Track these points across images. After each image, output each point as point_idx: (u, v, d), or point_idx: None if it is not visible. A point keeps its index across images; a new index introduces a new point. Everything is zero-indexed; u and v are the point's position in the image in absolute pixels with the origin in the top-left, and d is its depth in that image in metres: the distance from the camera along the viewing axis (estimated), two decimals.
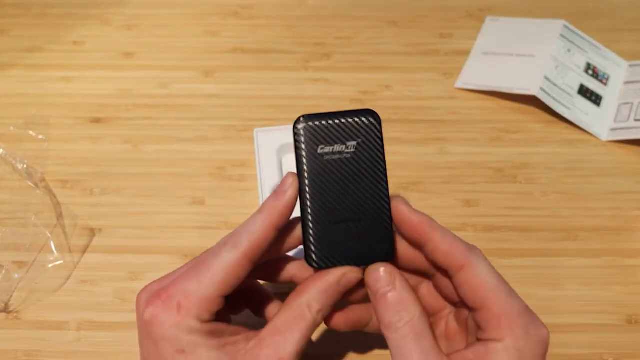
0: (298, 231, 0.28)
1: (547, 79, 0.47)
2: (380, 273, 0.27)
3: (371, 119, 0.28)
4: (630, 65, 0.50)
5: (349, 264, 0.27)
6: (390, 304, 0.26)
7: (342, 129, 0.27)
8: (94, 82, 0.50)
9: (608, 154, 0.45)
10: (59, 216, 0.40)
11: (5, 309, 0.37)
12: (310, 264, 0.27)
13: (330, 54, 0.52)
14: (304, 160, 0.27)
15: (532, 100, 0.47)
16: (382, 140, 0.28)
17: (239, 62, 0.51)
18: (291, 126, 0.41)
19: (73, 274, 0.38)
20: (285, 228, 0.28)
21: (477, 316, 0.26)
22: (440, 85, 0.50)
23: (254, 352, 0.26)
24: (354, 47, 0.53)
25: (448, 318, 0.29)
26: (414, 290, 0.27)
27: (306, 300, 0.27)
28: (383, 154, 0.27)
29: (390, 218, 0.27)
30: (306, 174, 0.27)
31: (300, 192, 0.27)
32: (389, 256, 0.27)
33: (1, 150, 0.41)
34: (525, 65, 0.48)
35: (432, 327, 0.27)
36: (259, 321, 0.30)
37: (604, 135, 0.46)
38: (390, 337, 0.26)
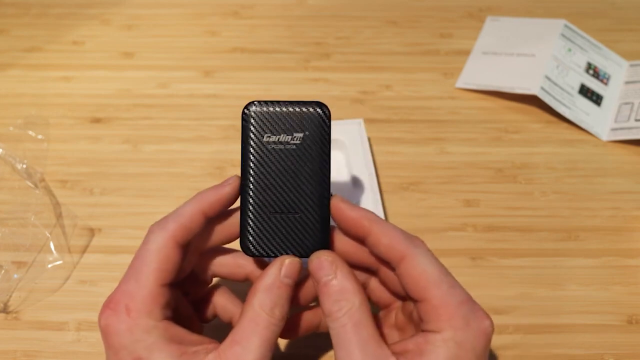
0: (235, 219, 0.28)
1: (547, 78, 0.47)
2: (323, 261, 0.26)
3: (320, 111, 0.27)
4: (631, 65, 0.50)
5: (282, 254, 0.27)
6: (331, 293, 0.26)
7: (291, 119, 0.27)
8: (94, 82, 0.50)
9: (608, 154, 0.45)
10: (59, 216, 0.40)
11: (5, 309, 0.37)
12: (244, 251, 0.27)
13: (330, 54, 0.52)
14: (250, 148, 0.27)
15: (532, 100, 0.47)
16: (329, 134, 0.27)
17: (239, 62, 0.51)
18: None
19: (72, 274, 0.38)
20: (222, 216, 0.28)
21: (419, 307, 0.26)
22: (441, 85, 0.49)
23: None
24: (354, 47, 0.53)
25: (397, 310, 0.29)
26: (363, 284, 0.28)
27: (257, 302, 0.26)
28: (329, 149, 0.27)
29: (329, 213, 0.27)
30: (250, 162, 0.27)
31: (242, 179, 0.27)
32: (324, 249, 0.27)
33: (1, 150, 0.41)
34: (526, 65, 0.48)
35: (379, 317, 0.28)
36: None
37: (605, 135, 0.46)
38: (331, 325, 0.25)
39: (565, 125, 0.46)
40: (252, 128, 0.27)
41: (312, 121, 0.27)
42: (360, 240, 0.28)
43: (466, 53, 0.52)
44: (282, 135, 0.27)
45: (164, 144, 0.45)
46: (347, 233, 0.28)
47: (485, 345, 0.25)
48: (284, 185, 0.27)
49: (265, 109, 0.27)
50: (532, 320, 0.36)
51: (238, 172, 0.44)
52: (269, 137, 0.27)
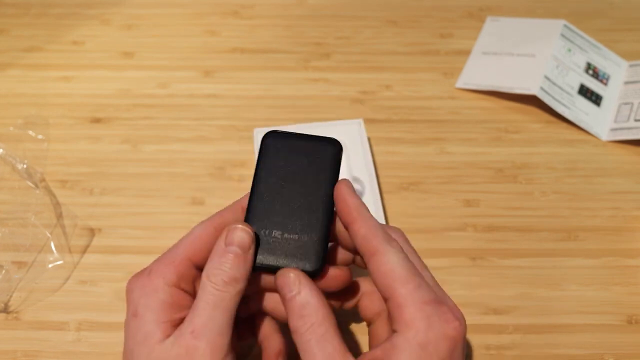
0: None
1: (547, 78, 0.47)
2: (287, 277, 0.27)
3: (333, 148, 0.29)
4: (631, 65, 0.50)
5: (282, 267, 0.28)
6: (295, 308, 0.26)
7: (305, 152, 0.29)
8: (94, 82, 0.50)
9: (608, 154, 0.45)
10: (59, 216, 0.40)
11: (5, 309, 0.37)
12: None
13: (330, 54, 0.52)
14: (262, 172, 0.29)
15: (532, 100, 0.47)
16: (337, 170, 0.29)
17: (239, 61, 0.51)
18: (291, 126, 0.42)
19: (73, 274, 0.38)
20: None
21: (388, 306, 0.26)
22: (441, 85, 0.50)
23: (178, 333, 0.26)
24: (354, 46, 0.53)
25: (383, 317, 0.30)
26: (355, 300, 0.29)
27: (205, 274, 0.27)
28: (334, 183, 0.29)
29: (328, 237, 0.28)
30: (260, 184, 0.29)
31: (251, 197, 0.29)
32: (313, 273, 0.28)
33: (1, 150, 0.41)
34: (526, 65, 0.48)
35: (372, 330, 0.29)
36: None
37: (604, 135, 0.46)
38: (297, 341, 0.26)
39: (565, 125, 0.46)
40: (268, 155, 0.29)
41: (324, 156, 0.29)
42: (346, 226, 0.28)
43: (466, 53, 0.52)
44: (294, 165, 0.29)
45: (163, 144, 0.45)
46: (340, 216, 0.28)
47: (449, 349, 0.24)
48: (289, 208, 0.29)
49: (282, 140, 0.29)
50: (532, 320, 0.36)
51: (238, 172, 0.44)
52: (282, 166, 0.29)
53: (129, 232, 0.40)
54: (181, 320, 0.26)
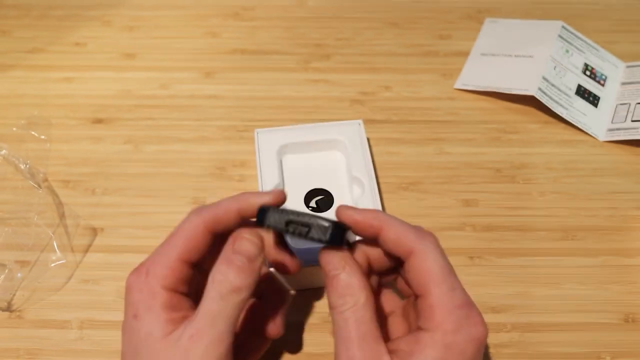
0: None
1: (545, 79, 0.47)
2: (332, 255, 0.27)
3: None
4: (628, 67, 0.50)
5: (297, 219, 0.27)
6: (337, 287, 0.26)
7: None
8: (96, 82, 0.50)
9: (606, 154, 0.45)
10: (61, 216, 0.40)
11: (8, 308, 0.37)
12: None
13: (330, 55, 0.52)
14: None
15: (530, 101, 0.47)
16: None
17: (240, 63, 0.52)
18: (291, 126, 0.42)
19: (75, 273, 0.39)
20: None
21: (418, 303, 0.26)
22: (440, 86, 0.50)
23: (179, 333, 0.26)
24: (353, 48, 0.53)
25: (410, 303, 0.30)
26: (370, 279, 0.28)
27: (211, 278, 0.27)
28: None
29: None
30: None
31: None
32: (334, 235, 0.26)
33: (4, 150, 0.41)
34: (524, 66, 0.49)
35: (379, 314, 0.27)
36: None
37: (602, 135, 0.46)
38: (334, 318, 0.26)
39: (562, 125, 0.47)
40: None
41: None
42: (374, 240, 0.28)
43: (465, 54, 0.52)
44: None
45: (165, 145, 0.46)
46: (362, 234, 0.28)
47: (475, 351, 0.25)
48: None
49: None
50: (530, 318, 0.36)
51: (239, 172, 0.45)
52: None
53: (130, 232, 0.41)
54: (182, 318, 0.27)
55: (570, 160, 0.45)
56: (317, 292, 0.37)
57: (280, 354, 0.35)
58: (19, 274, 0.38)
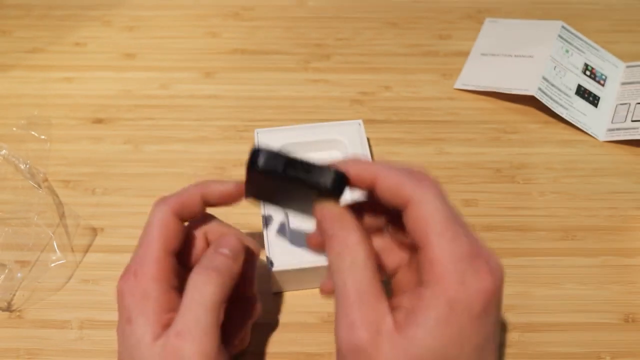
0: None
1: (545, 79, 0.47)
2: (328, 211, 0.25)
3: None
4: (628, 67, 0.50)
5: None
6: (334, 245, 0.25)
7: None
8: (96, 82, 0.50)
9: (606, 154, 0.45)
10: (62, 216, 0.40)
11: (8, 308, 0.37)
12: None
13: (330, 55, 0.52)
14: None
15: (530, 101, 0.47)
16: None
17: (240, 63, 0.52)
18: (291, 126, 0.42)
19: (75, 273, 0.39)
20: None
21: (419, 257, 0.24)
22: (440, 86, 0.50)
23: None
24: (353, 48, 0.53)
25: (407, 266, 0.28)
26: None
27: (193, 272, 0.27)
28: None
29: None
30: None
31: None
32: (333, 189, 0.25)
33: (4, 150, 0.41)
34: (524, 66, 0.49)
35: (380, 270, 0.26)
36: None
37: (602, 135, 0.46)
38: (333, 277, 0.25)
39: (562, 125, 0.47)
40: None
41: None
42: (371, 190, 0.26)
43: (465, 54, 0.52)
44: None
45: (165, 145, 0.46)
46: (358, 184, 0.26)
47: (483, 305, 0.22)
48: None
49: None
50: (530, 318, 0.36)
51: (239, 172, 0.44)
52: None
53: (130, 232, 0.41)
54: (171, 321, 0.27)
55: (570, 160, 0.45)
56: (315, 292, 0.37)
57: (279, 354, 0.35)
58: (19, 274, 0.38)
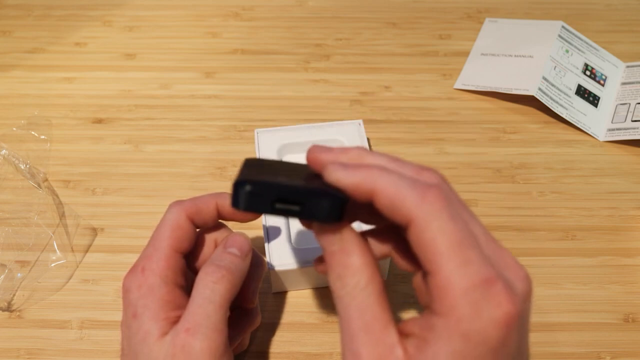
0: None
1: (545, 79, 0.47)
2: (327, 228, 0.23)
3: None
4: (628, 67, 0.50)
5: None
6: (335, 267, 0.22)
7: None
8: (96, 82, 0.50)
9: (606, 155, 0.45)
10: (62, 216, 0.40)
11: (8, 308, 0.37)
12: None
13: (330, 55, 0.52)
14: None
15: (530, 101, 0.47)
16: None
17: (240, 63, 0.52)
18: (291, 126, 0.42)
19: (75, 273, 0.39)
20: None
21: (428, 282, 0.21)
22: (439, 86, 0.50)
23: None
24: (353, 48, 0.53)
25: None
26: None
27: (202, 271, 0.27)
28: None
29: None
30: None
31: None
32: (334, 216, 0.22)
33: (4, 150, 0.41)
34: (524, 66, 0.49)
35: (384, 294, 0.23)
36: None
37: (602, 135, 0.46)
38: (335, 302, 0.22)
39: (562, 125, 0.47)
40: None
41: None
42: (369, 202, 0.23)
43: (465, 54, 0.52)
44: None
45: (165, 145, 0.46)
46: (356, 199, 0.23)
47: (502, 335, 0.20)
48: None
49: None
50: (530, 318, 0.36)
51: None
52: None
53: (131, 232, 0.41)
54: (178, 318, 0.27)
55: (570, 160, 0.45)
56: (315, 292, 0.37)
57: (279, 354, 0.35)
58: (19, 274, 0.38)
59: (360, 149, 0.24)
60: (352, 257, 0.22)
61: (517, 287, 0.21)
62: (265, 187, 0.22)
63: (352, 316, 0.22)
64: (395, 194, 0.21)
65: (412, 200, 0.21)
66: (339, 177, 0.22)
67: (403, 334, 0.22)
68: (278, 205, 0.22)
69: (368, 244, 0.23)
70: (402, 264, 0.25)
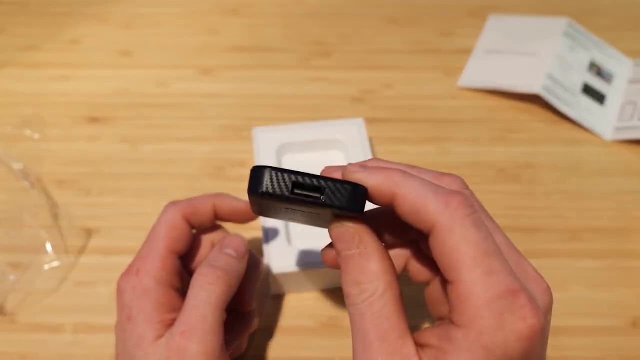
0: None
1: (550, 77, 0.46)
2: (344, 232, 0.22)
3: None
4: (636, 64, 0.49)
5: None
6: (351, 272, 0.21)
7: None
8: (92, 81, 0.49)
9: (612, 154, 0.44)
10: (55, 217, 0.40)
11: (1, 312, 0.36)
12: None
13: (331, 53, 0.51)
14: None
15: (535, 99, 0.47)
16: None
17: (238, 61, 0.51)
18: (291, 125, 0.41)
19: (69, 276, 0.38)
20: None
21: (448, 291, 0.21)
22: (442, 84, 0.49)
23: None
24: (354, 45, 0.52)
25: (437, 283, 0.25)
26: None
27: (197, 272, 0.27)
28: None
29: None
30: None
31: None
32: (355, 207, 0.21)
33: None
34: (529, 64, 0.48)
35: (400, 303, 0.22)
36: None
37: (608, 134, 0.45)
38: (349, 310, 0.21)
39: (568, 124, 0.46)
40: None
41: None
42: (391, 208, 0.22)
43: (468, 52, 0.51)
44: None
45: (162, 144, 0.45)
46: (376, 204, 0.22)
47: (525, 349, 0.19)
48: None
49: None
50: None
51: (237, 172, 0.44)
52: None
53: (126, 233, 0.40)
54: (173, 321, 0.26)
55: (575, 159, 0.44)
56: (316, 295, 0.37)
57: (278, 358, 0.34)
58: (11, 277, 0.37)
59: (377, 159, 0.24)
60: (371, 262, 0.21)
61: (539, 299, 0.20)
62: (285, 172, 0.21)
63: (367, 324, 0.21)
64: (417, 199, 0.21)
65: (435, 207, 0.20)
66: (359, 177, 0.22)
67: (419, 345, 0.21)
68: (297, 191, 0.21)
69: (386, 250, 0.22)
70: (416, 274, 0.25)
